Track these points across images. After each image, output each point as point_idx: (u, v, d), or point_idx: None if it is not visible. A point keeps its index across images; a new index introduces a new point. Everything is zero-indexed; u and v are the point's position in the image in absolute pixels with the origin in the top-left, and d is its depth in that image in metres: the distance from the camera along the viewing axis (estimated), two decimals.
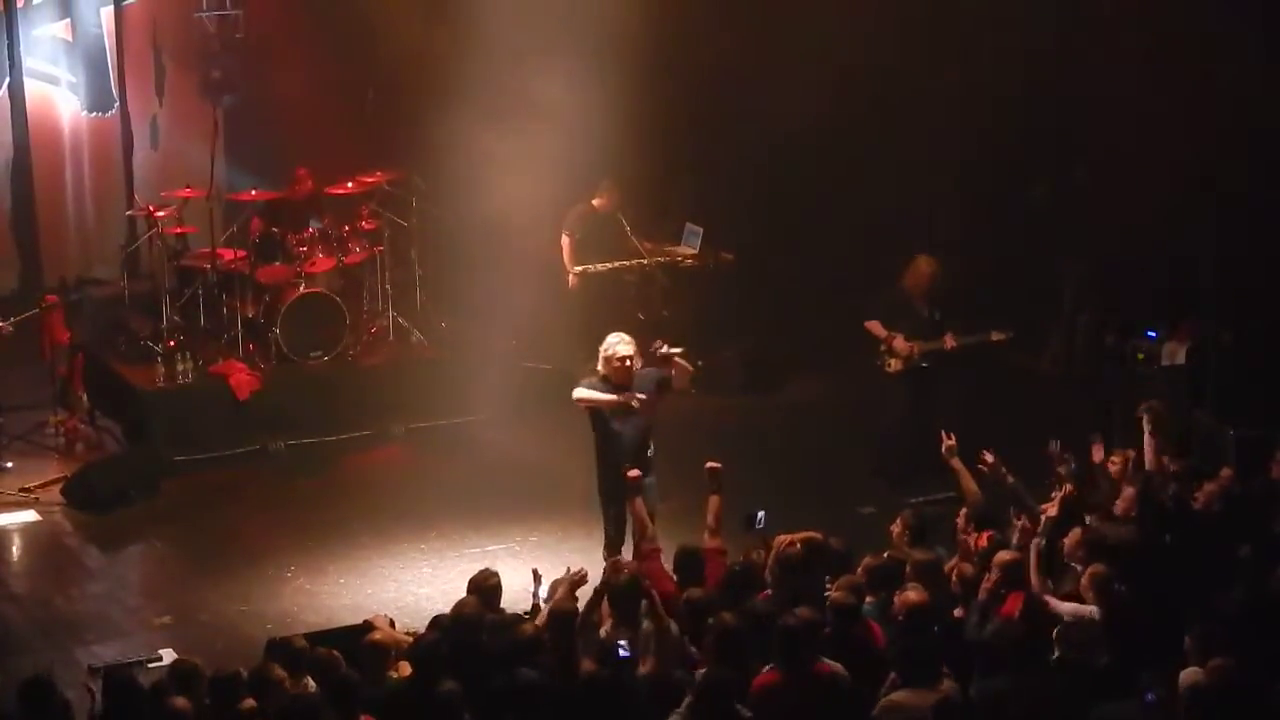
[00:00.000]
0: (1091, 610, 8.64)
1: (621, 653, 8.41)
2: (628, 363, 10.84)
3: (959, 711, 7.67)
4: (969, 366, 13.39)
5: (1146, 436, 10.72)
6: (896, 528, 10.03)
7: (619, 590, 8.99)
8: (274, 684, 8.21)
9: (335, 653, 8.60)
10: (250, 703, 8.08)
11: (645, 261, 15.62)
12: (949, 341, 12.94)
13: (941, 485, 12.45)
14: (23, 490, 13.11)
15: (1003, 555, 9.10)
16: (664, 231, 16.67)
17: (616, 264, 15.56)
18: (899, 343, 12.92)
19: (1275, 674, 7.92)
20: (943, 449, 10.45)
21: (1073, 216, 15.22)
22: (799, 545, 9.45)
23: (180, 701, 7.96)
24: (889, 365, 13.01)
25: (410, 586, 11.56)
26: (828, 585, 9.16)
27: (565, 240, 15.50)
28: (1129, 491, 10.20)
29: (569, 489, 12.75)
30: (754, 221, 17.57)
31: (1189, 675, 7.82)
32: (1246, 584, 8.94)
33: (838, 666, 8.22)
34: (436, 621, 8.98)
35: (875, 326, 13.04)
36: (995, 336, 13.14)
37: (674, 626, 8.68)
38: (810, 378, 15.74)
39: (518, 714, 7.95)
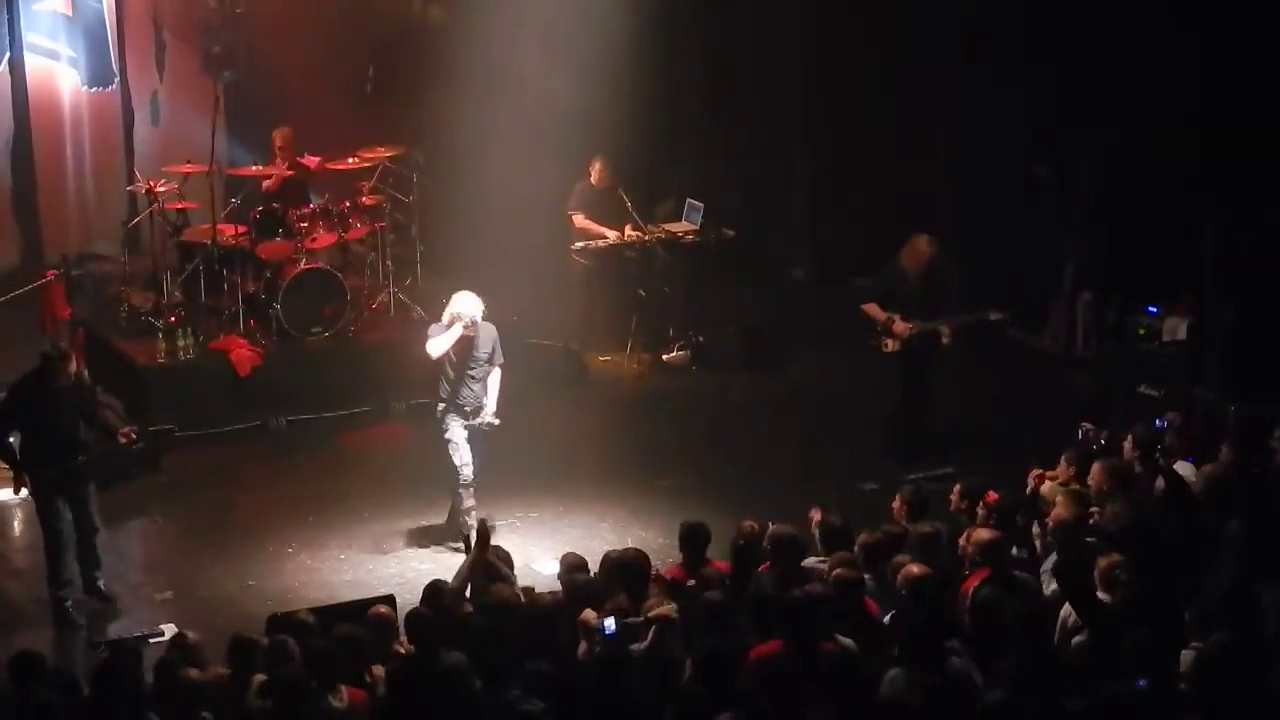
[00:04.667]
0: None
1: (607, 630, 8.41)
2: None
3: (956, 693, 7.65)
4: (965, 346, 13.39)
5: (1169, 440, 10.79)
6: (897, 503, 10.05)
7: (629, 566, 9.05)
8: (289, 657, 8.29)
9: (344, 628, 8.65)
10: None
11: (646, 237, 15.61)
12: (945, 334, 12.93)
13: (941, 462, 12.53)
14: None
15: (981, 534, 9.13)
16: (666, 208, 16.68)
17: (617, 240, 15.54)
18: (899, 325, 12.88)
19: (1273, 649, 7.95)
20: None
21: (1074, 194, 15.20)
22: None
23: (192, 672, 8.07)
24: (885, 345, 12.97)
25: (412, 562, 11.57)
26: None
27: (577, 218, 15.50)
28: (1098, 466, 10.20)
29: (570, 465, 12.79)
30: (755, 198, 17.59)
31: (1190, 654, 7.84)
32: (1239, 561, 8.95)
33: (848, 643, 8.23)
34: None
35: (873, 309, 13.00)
36: (993, 316, 13.14)
37: (674, 608, 8.70)
38: (810, 355, 15.73)
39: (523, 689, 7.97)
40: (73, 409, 11.05)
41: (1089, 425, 11.13)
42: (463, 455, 11.66)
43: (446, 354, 11.65)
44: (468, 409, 11.71)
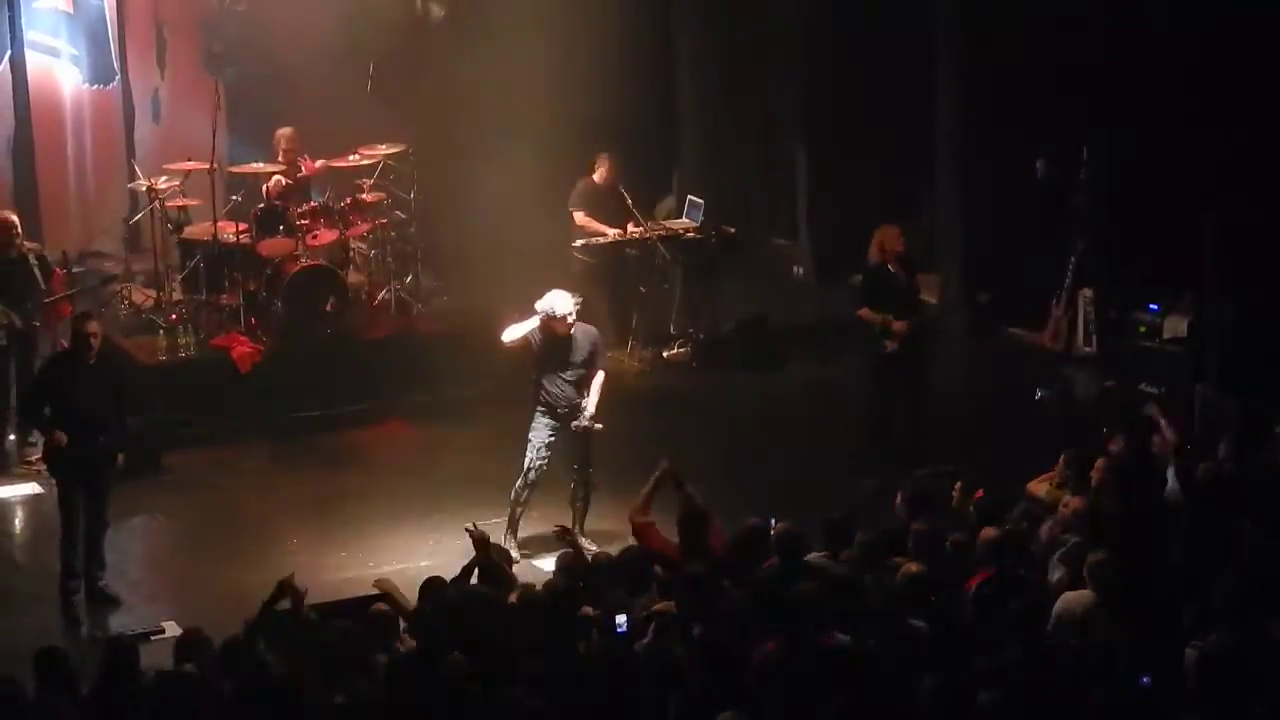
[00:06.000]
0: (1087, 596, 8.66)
1: (619, 627, 8.42)
2: (572, 319, 11.43)
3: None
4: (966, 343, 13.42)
5: (1164, 426, 10.80)
6: (898, 501, 10.05)
7: (630, 559, 9.06)
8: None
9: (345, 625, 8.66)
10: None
11: (647, 235, 15.59)
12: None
13: (942, 460, 12.51)
14: (25, 463, 13.13)
15: (988, 532, 9.16)
16: (667, 205, 16.67)
17: (618, 237, 15.53)
18: (897, 324, 12.85)
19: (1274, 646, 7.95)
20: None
21: (1075, 191, 15.20)
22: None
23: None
24: (887, 347, 12.91)
25: (413, 560, 11.55)
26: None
27: (578, 216, 15.46)
28: (1099, 462, 10.25)
29: (571, 462, 12.75)
30: (756, 195, 17.60)
31: (1193, 651, 7.84)
32: (1244, 559, 8.95)
33: (845, 640, 8.24)
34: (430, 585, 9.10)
35: (867, 313, 12.93)
36: (980, 299, 13.19)
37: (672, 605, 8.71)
38: (811, 352, 15.72)
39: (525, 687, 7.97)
40: (99, 388, 11.06)
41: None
42: (531, 459, 11.57)
43: (539, 354, 11.53)
44: (559, 410, 11.56)
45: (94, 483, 11.07)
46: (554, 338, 11.49)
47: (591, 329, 11.72)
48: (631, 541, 9.89)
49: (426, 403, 14.36)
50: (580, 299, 11.65)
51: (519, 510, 11.61)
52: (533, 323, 11.48)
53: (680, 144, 18.37)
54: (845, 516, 9.77)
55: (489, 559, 9.57)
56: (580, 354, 11.56)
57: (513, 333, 11.57)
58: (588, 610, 8.67)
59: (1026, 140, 15.42)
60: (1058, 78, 14.86)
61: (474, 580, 9.45)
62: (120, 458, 11.22)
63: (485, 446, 13.34)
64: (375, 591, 9.54)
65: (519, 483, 11.59)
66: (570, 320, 11.47)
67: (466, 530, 9.91)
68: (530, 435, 11.61)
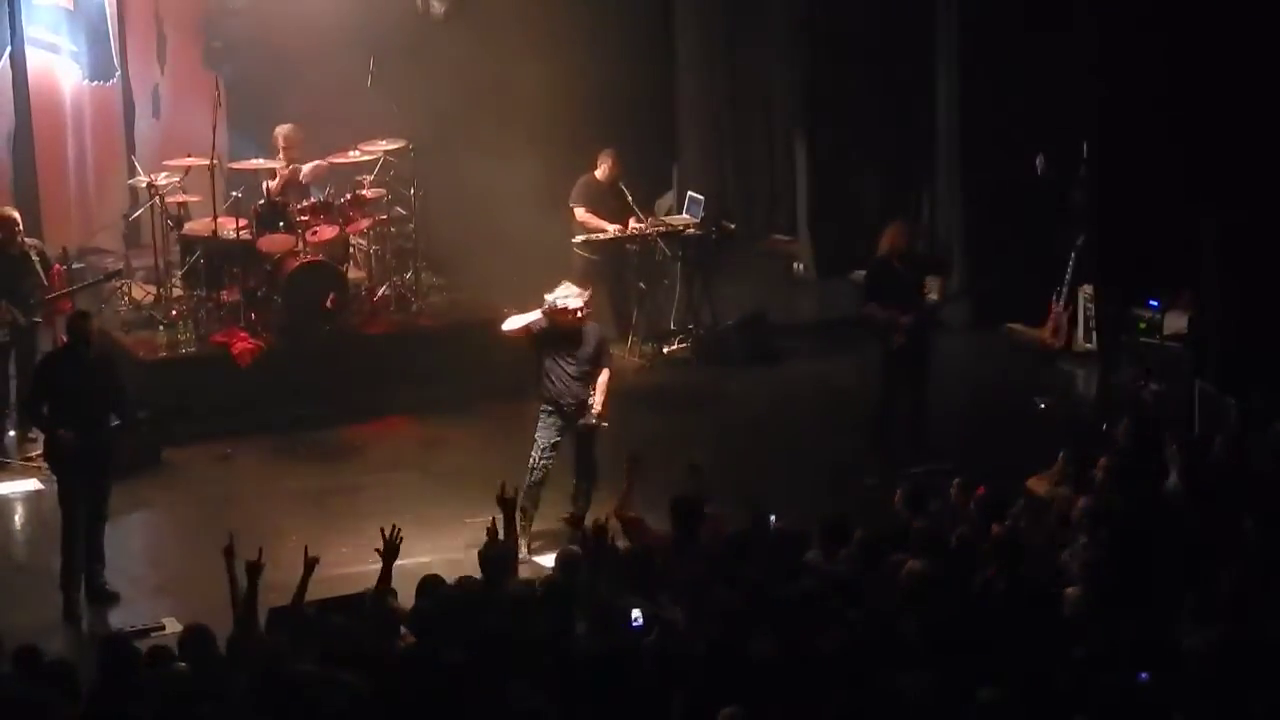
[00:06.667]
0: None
1: (635, 622, 8.43)
2: (579, 314, 11.49)
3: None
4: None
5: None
6: (898, 499, 10.06)
7: (634, 557, 9.07)
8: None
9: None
10: None
11: (647, 231, 15.59)
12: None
13: (941, 457, 12.53)
14: (25, 459, 13.14)
15: (994, 529, 9.21)
16: (667, 201, 16.68)
17: (619, 234, 15.52)
18: (903, 318, 12.85)
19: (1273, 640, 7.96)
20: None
21: (1075, 188, 15.20)
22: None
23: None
24: (894, 342, 12.91)
25: (413, 556, 11.52)
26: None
27: (579, 212, 15.44)
28: (1101, 460, 10.27)
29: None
30: (757, 192, 17.60)
31: (1190, 645, 7.85)
32: (1245, 556, 8.96)
33: (844, 637, 8.24)
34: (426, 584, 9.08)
35: (873, 309, 12.94)
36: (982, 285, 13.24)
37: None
38: (811, 349, 15.73)
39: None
40: (97, 384, 11.10)
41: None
42: (535, 459, 11.61)
43: (539, 340, 11.56)
44: (565, 407, 11.60)
45: (94, 479, 11.09)
46: (558, 330, 11.52)
47: (598, 327, 11.76)
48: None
49: (426, 398, 14.36)
50: (588, 297, 11.69)
51: (531, 512, 11.58)
52: (535, 314, 11.51)
53: (680, 141, 18.37)
54: (843, 514, 9.79)
55: (502, 543, 9.55)
56: (586, 350, 11.59)
57: (514, 322, 11.61)
58: (598, 605, 8.68)
59: (1026, 138, 15.43)
60: (1058, 76, 14.85)
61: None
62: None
63: (485, 442, 13.36)
64: (374, 590, 9.57)
65: (525, 483, 11.59)
66: (578, 315, 11.50)
67: (499, 499, 9.88)
68: (536, 435, 11.64)
